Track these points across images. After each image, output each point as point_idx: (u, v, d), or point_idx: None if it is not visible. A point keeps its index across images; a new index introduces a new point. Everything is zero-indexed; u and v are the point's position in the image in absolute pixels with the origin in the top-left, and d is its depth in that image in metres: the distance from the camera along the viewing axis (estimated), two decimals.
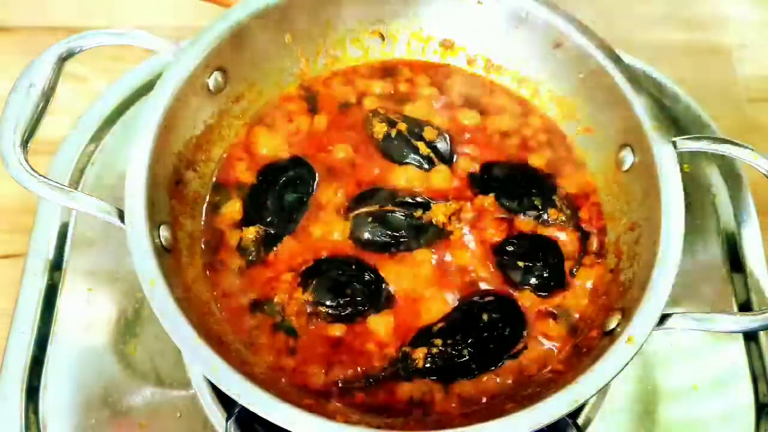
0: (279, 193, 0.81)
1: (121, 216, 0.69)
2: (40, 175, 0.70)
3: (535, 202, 0.82)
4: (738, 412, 0.85)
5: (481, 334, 0.74)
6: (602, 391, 0.84)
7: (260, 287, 0.77)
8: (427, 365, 0.73)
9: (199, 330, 0.66)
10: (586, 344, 0.73)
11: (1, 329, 0.86)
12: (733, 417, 0.85)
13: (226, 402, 0.82)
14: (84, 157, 0.97)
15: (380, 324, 0.75)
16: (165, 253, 0.71)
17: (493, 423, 0.63)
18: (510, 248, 0.80)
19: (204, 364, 0.64)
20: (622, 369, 0.65)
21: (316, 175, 0.83)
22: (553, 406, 0.63)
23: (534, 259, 0.79)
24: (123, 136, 0.98)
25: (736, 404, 0.86)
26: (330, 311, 0.75)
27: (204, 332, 0.67)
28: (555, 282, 0.78)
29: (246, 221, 0.80)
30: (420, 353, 0.73)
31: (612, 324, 0.71)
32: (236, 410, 0.76)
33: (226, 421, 0.78)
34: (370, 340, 0.75)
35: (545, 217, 0.81)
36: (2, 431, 0.81)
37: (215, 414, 0.82)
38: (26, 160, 0.70)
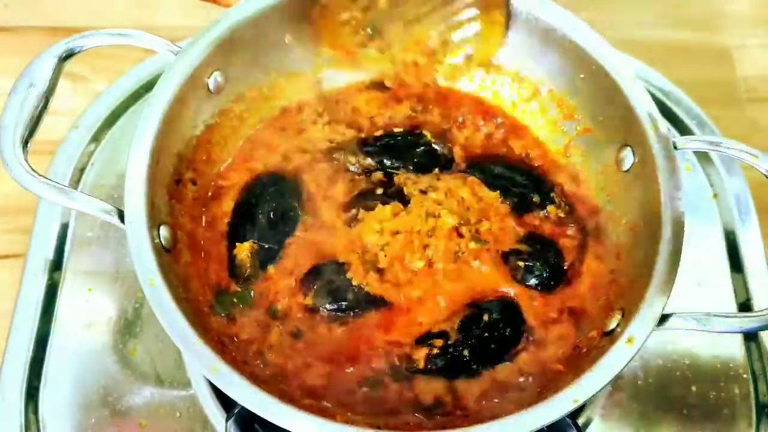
0: (269, 206, 0.81)
1: (121, 216, 0.69)
2: (40, 175, 0.70)
3: (534, 199, 0.82)
4: (738, 412, 0.85)
5: (482, 334, 0.74)
6: (602, 391, 0.84)
7: (261, 300, 0.77)
8: (429, 366, 0.73)
9: (199, 330, 0.66)
10: (586, 344, 0.73)
11: (1, 329, 0.86)
12: (733, 417, 0.85)
13: (225, 402, 0.82)
14: (84, 157, 0.97)
15: (381, 326, 0.75)
16: (165, 253, 0.71)
17: (493, 423, 0.62)
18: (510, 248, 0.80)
19: (204, 364, 0.64)
20: (623, 369, 0.65)
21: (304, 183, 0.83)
22: (553, 406, 0.63)
23: (534, 258, 0.78)
24: (123, 136, 0.98)
25: (736, 404, 0.86)
26: (331, 314, 0.75)
27: (204, 332, 0.67)
28: (555, 281, 0.78)
29: (236, 237, 0.79)
30: (421, 354, 0.73)
31: (612, 324, 0.70)
32: (236, 410, 0.76)
33: (226, 421, 0.77)
34: (371, 341, 0.75)
35: (545, 214, 0.81)
36: (2, 431, 0.81)
37: (215, 414, 0.82)
38: (26, 160, 0.70)
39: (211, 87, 0.81)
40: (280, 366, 0.73)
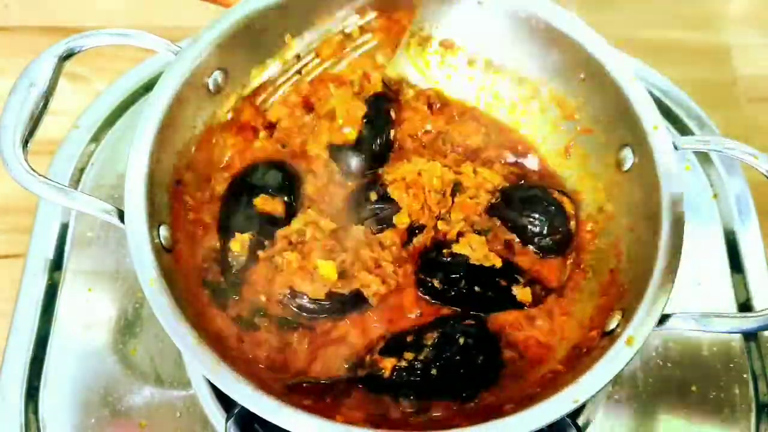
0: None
1: (121, 216, 0.69)
2: (40, 175, 0.70)
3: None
4: (738, 412, 0.85)
5: (453, 357, 0.73)
6: (602, 391, 0.84)
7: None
8: (394, 377, 0.72)
9: (198, 330, 0.66)
10: (586, 344, 0.73)
11: (1, 329, 0.86)
12: (733, 417, 0.85)
13: (225, 402, 0.82)
14: (84, 157, 0.97)
15: (356, 325, 0.76)
16: (165, 253, 0.71)
17: (493, 423, 0.63)
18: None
19: (204, 364, 0.64)
20: (622, 369, 0.65)
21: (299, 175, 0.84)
22: (553, 406, 0.63)
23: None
24: (123, 136, 0.99)
25: (736, 404, 0.86)
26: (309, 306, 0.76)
27: (204, 332, 0.67)
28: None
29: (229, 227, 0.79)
30: (388, 363, 0.72)
31: (612, 324, 0.70)
32: (236, 410, 0.76)
33: (226, 421, 0.77)
34: (344, 340, 0.76)
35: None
36: (2, 431, 0.81)
37: (215, 414, 0.82)
38: (26, 160, 0.70)
39: (211, 87, 0.81)
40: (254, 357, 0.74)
